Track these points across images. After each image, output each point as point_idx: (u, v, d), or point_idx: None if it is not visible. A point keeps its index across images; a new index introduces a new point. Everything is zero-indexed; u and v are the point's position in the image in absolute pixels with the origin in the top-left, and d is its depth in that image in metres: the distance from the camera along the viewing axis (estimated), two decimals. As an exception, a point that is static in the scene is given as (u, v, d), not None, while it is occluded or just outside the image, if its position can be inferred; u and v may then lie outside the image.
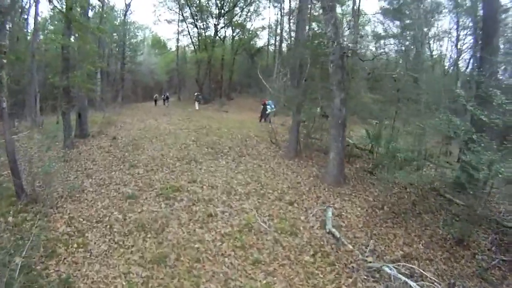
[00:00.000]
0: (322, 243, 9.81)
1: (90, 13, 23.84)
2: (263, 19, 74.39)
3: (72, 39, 17.53)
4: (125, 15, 38.68)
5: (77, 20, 16.09)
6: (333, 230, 10.25)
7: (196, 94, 35.66)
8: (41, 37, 30.96)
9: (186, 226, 10.01)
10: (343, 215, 11.52)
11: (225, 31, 41.68)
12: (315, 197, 12.63)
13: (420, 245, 10.01)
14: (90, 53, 17.66)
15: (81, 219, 10.24)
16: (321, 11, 20.02)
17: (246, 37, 43.89)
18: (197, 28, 39.55)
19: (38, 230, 9.28)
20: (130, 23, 43.64)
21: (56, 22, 32.96)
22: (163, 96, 39.30)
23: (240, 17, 42.05)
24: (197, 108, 33.21)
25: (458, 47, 24.75)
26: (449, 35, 25.87)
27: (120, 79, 39.46)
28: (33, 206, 10.64)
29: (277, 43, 44.77)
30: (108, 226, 9.89)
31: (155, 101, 39.42)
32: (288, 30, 42.35)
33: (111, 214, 10.56)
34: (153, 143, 17.71)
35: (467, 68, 24.22)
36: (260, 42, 49.81)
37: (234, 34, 43.37)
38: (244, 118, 28.05)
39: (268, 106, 24.36)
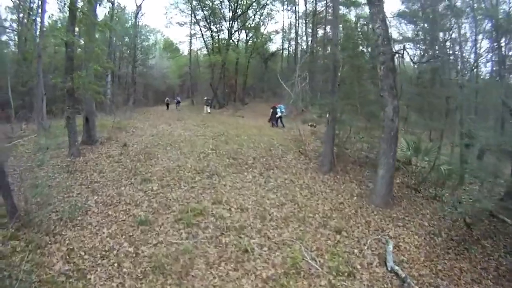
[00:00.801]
0: (385, 286, 7.61)
1: (100, 14, 21.98)
2: (276, 22, 72.47)
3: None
4: (136, 16, 36.57)
5: (81, 11, 13.84)
6: (396, 268, 8.14)
7: (205, 98, 33.89)
8: (52, 40, 28.98)
9: (216, 268, 7.59)
10: (400, 246, 9.28)
11: (239, 34, 39.48)
12: (364, 222, 10.27)
13: (489, 281, 8.22)
14: (96, 52, 15.35)
15: (83, 253, 7.89)
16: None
17: (259, 40, 41.56)
18: (210, 30, 37.23)
19: (29, 266, 7.20)
20: (141, 26, 41.66)
21: (65, 23, 30.99)
22: (175, 100, 37.05)
23: (253, 20, 39.94)
24: (208, 111, 31.42)
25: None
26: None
27: (131, 83, 37.25)
28: (26, 232, 8.37)
29: (292, 47, 42.74)
30: (116, 264, 7.51)
31: (167, 105, 37.12)
32: (303, 33, 40.19)
33: (119, 246, 8.17)
34: (167, 152, 15.39)
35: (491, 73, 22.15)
36: (273, 47, 47.78)
37: (248, 38, 41.11)
38: (261, 124, 25.76)
39: (278, 110, 24.09)
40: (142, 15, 38.50)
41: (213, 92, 36.64)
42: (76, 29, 16.11)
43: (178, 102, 35.99)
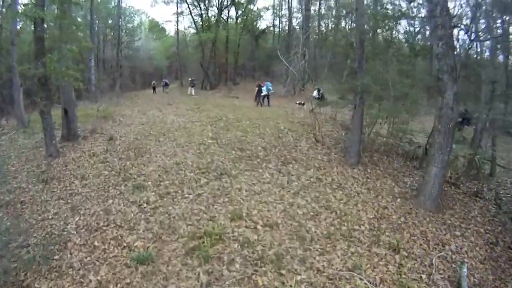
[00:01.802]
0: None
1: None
2: None
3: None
4: (119, -5, 32.91)
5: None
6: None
7: (190, 79, 30.96)
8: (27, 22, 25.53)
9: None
10: (466, 263, 6.93)
11: (229, 11, 36.06)
12: (419, 233, 7.96)
13: None
14: (72, 31, 12.46)
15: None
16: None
17: (249, 17, 38.25)
18: (199, 6, 33.63)
19: None
20: (125, 7, 37.99)
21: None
22: (162, 82, 33.96)
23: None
24: (193, 93, 28.95)
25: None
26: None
27: (116, 66, 33.96)
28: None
29: (282, 24, 39.61)
30: None
31: (154, 88, 34.28)
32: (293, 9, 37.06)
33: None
34: (161, 144, 12.78)
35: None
36: (263, 24, 44.61)
37: (238, 14, 37.74)
38: (275, 108, 23.11)
39: (263, 88, 22.38)
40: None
41: (204, 72, 33.68)
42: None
43: (166, 85, 32.98)
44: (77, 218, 7.93)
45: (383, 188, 10.40)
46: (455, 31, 11.01)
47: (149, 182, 9.52)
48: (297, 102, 21.62)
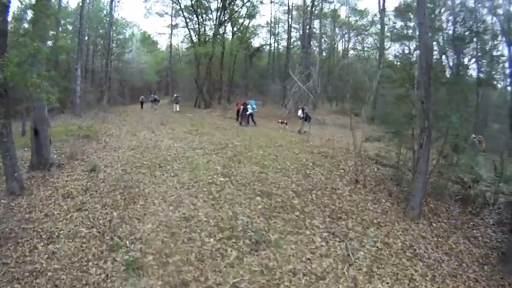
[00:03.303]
0: None
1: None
2: (262, 16, 65.29)
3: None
4: (111, 2, 29.33)
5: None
6: None
7: (175, 95, 28.26)
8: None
9: None
10: None
11: (225, 27, 32.81)
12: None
13: None
14: (43, 23, 9.02)
15: None
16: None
17: (246, 35, 35.18)
18: (197, 19, 30.21)
19: None
20: (117, 18, 34.35)
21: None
22: (151, 98, 30.36)
23: (240, 12, 33.39)
24: (177, 109, 26.34)
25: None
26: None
27: (105, 78, 30.21)
28: None
29: (277, 43, 36.77)
30: None
31: (141, 103, 30.97)
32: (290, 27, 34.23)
33: None
34: (159, 182, 9.39)
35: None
36: (257, 42, 41.69)
37: (234, 30, 34.61)
38: (263, 128, 19.87)
39: (249, 107, 20.22)
40: (118, 1, 31.02)
41: (199, 88, 30.16)
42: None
43: (155, 100, 29.37)
44: None
45: (460, 250, 7.53)
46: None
47: (150, 258, 6.00)
48: (280, 121, 20.25)
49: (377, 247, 6.99)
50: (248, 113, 20.15)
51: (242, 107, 20.73)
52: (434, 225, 8.14)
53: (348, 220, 7.94)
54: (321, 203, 8.66)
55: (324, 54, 34.91)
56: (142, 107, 30.32)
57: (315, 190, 9.39)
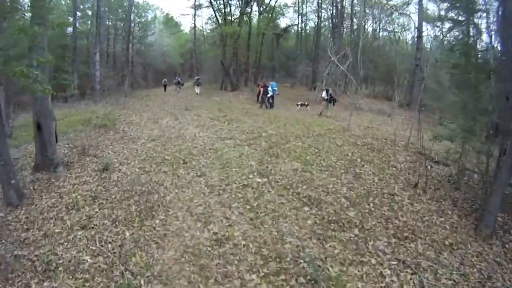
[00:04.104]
0: None
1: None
2: None
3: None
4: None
5: None
6: None
7: (196, 78, 26.95)
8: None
9: None
10: None
11: (251, 5, 30.13)
12: None
13: None
14: None
15: None
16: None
17: (273, 15, 32.40)
18: None
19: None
20: (137, 3, 32.35)
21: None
22: (175, 80, 28.53)
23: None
24: (197, 92, 25.13)
25: None
26: None
27: (126, 62, 28.55)
28: None
29: (303, 23, 33.91)
30: None
31: (165, 86, 29.62)
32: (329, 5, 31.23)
33: None
34: (182, 185, 7.54)
35: None
36: (283, 22, 38.87)
37: (261, 10, 31.97)
38: (292, 111, 17.75)
39: (269, 89, 18.50)
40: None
41: (225, 70, 27.98)
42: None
43: (178, 83, 27.48)
44: None
45: None
46: None
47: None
48: (299, 103, 18.79)
49: (454, 280, 4.89)
50: (269, 95, 18.48)
51: (262, 89, 19.16)
52: (507, 246, 5.90)
53: (416, 241, 5.78)
54: (381, 215, 6.53)
55: (353, 34, 31.77)
56: (165, 90, 29.07)
57: (371, 197, 7.23)
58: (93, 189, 7.49)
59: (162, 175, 8.07)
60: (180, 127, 12.92)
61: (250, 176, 7.95)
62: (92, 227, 5.94)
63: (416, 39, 24.91)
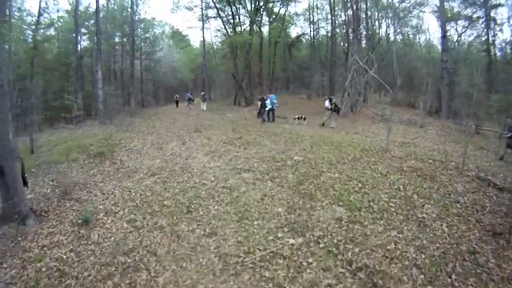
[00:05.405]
0: None
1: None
2: (298, 2, 57.84)
3: None
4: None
5: None
6: None
7: (202, 93, 25.44)
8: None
9: None
10: None
11: (261, 14, 28.05)
12: None
13: None
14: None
15: None
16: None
17: (283, 23, 30.22)
18: (230, 7, 25.45)
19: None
20: (144, 19, 30.63)
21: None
22: (186, 97, 26.62)
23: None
24: (203, 109, 23.27)
25: None
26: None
27: (131, 79, 26.71)
28: None
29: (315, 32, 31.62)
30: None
31: (177, 102, 28.22)
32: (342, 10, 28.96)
33: None
34: (182, 257, 5.26)
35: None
36: (293, 32, 36.76)
37: (271, 19, 29.84)
38: (315, 128, 15.41)
39: (267, 102, 16.86)
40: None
41: (237, 84, 25.82)
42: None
43: (190, 99, 25.53)
44: None
45: None
46: None
47: None
48: (296, 116, 16.93)
49: None
50: (267, 109, 16.71)
51: (260, 102, 17.66)
52: None
53: None
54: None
55: (370, 40, 29.32)
56: (177, 106, 27.57)
57: (450, 262, 4.80)
58: (64, 257, 5.28)
59: (157, 234, 5.79)
60: (187, 154, 10.68)
61: (279, 235, 5.60)
62: None
63: (441, 39, 22.36)
